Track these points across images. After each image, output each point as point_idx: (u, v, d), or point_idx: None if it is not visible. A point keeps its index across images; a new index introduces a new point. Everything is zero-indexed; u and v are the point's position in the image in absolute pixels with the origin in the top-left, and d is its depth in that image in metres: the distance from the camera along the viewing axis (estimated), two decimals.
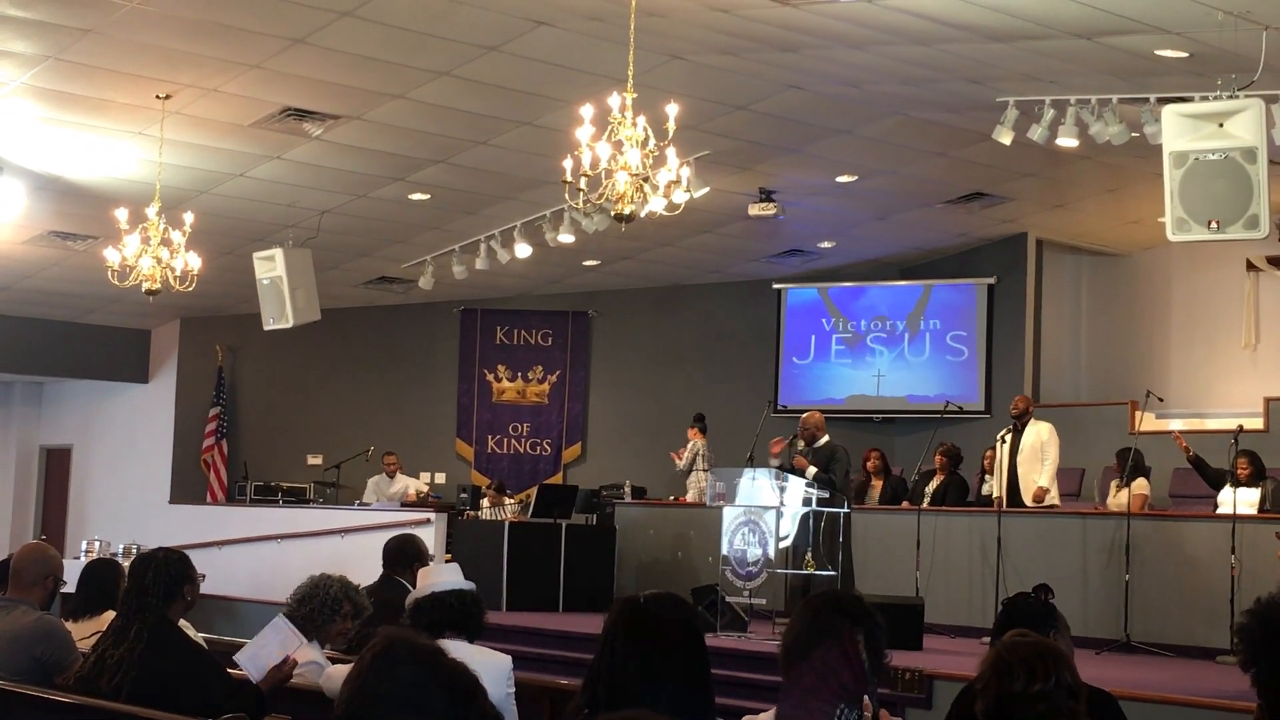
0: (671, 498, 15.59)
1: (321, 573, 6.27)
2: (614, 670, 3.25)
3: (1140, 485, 12.99)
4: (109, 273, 12.17)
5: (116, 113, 11.83)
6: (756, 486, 11.54)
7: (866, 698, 3.31)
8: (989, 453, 13.66)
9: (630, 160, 8.63)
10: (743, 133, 12.56)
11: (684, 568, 13.70)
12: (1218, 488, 12.19)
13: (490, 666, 5.38)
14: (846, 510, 11.84)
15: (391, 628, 2.89)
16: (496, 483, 16.81)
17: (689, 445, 15.61)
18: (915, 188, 14.39)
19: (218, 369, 19.19)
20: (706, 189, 12.69)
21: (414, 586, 5.80)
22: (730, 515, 11.62)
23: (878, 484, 14.59)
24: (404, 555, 7.59)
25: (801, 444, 12.03)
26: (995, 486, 12.65)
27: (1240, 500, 11.49)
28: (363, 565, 9.32)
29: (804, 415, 12.35)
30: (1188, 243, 9.90)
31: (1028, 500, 12.32)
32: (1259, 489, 11.91)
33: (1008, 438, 12.47)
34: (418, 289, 16.78)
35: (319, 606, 6.07)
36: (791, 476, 11.53)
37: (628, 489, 16.10)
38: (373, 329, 19.12)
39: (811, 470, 11.66)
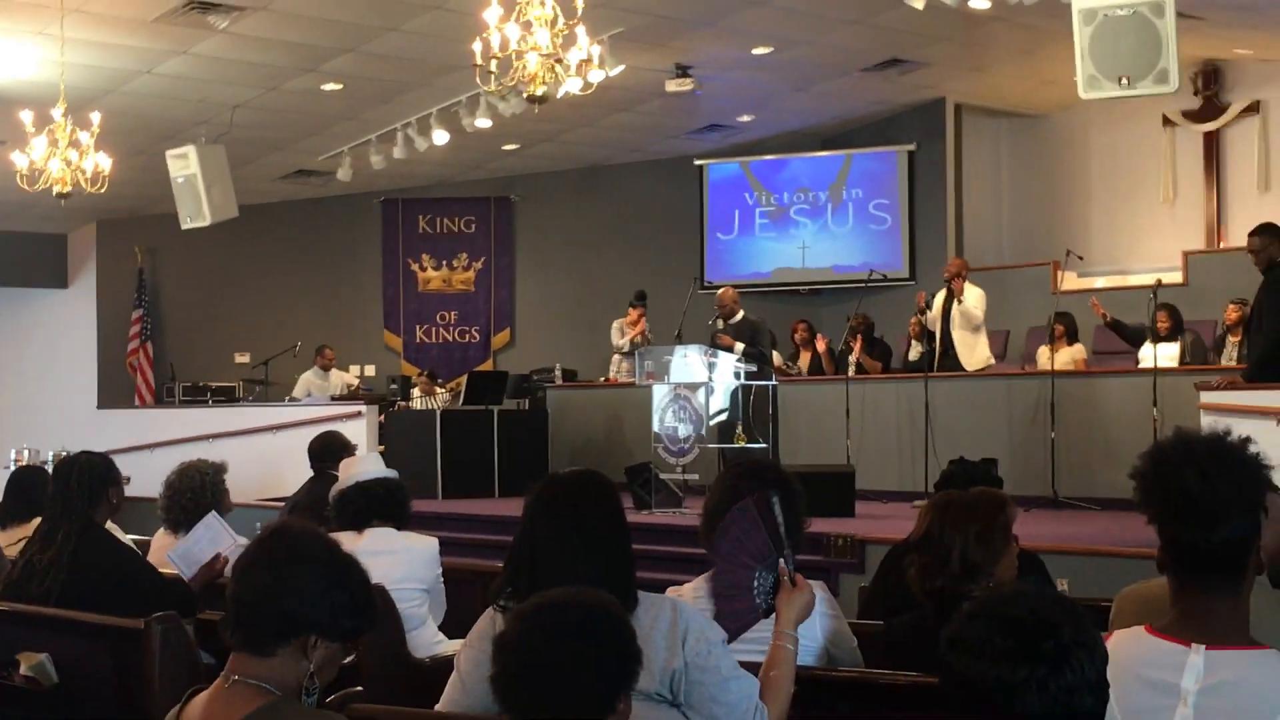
0: (602, 379, 15.61)
1: (173, 471, 6.32)
2: (535, 548, 3.27)
3: (1078, 350, 13.09)
4: (18, 177, 11.94)
5: (14, 12, 11.52)
6: (686, 364, 11.58)
7: (782, 562, 3.35)
8: (915, 319, 13.75)
9: (540, 40, 8.54)
10: (656, 8, 12.41)
11: (617, 447, 13.78)
12: (1138, 345, 12.35)
13: (418, 550, 5.42)
14: (773, 382, 11.97)
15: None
16: (428, 371, 16.74)
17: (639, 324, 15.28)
18: (832, 57, 14.31)
19: (138, 270, 18.99)
20: (621, 67, 12.57)
21: None
22: (660, 393, 11.67)
23: (805, 355, 14.72)
24: (329, 451, 7.64)
25: (721, 322, 12.09)
26: (933, 344, 12.73)
27: (1160, 354, 11.67)
28: (296, 461, 9.31)
29: (719, 292, 12.42)
30: (1102, 100, 9.92)
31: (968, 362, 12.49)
32: (1178, 342, 12.09)
33: (938, 299, 12.60)
34: (337, 181, 16.59)
35: (207, 490, 6.15)
36: (721, 353, 11.60)
37: (558, 372, 16.10)
38: (293, 223, 18.92)
39: (739, 346, 11.74)
